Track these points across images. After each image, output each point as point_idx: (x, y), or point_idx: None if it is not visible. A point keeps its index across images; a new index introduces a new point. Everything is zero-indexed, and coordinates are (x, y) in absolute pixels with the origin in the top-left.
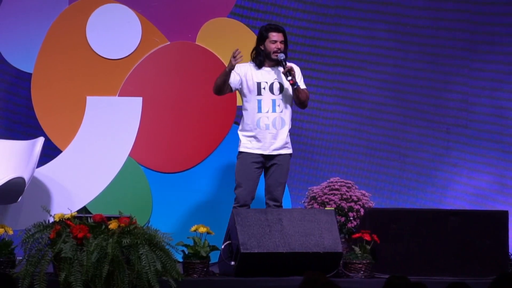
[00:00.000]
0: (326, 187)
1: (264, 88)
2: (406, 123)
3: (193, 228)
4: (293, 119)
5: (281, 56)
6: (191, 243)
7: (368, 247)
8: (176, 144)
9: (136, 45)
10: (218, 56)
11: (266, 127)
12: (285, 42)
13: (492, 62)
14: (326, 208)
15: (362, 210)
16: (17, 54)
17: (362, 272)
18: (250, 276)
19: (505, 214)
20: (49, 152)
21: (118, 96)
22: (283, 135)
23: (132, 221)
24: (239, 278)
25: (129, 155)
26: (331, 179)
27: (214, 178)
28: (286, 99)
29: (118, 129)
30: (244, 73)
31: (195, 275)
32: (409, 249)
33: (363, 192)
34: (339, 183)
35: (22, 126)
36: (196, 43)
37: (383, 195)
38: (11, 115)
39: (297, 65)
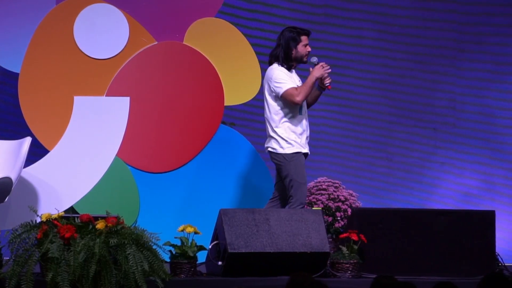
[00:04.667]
0: (313, 187)
1: None
2: (394, 122)
3: (180, 228)
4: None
5: (314, 59)
6: (179, 243)
7: (356, 247)
8: (164, 144)
9: (124, 45)
10: (206, 56)
11: None
12: None
13: (479, 61)
14: (313, 208)
15: (349, 210)
16: (4, 53)
17: (349, 272)
18: (238, 276)
19: (492, 214)
20: (36, 152)
21: (106, 96)
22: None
23: (120, 221)
24: (227, 278)
25: (117, 155)
26: (319, 179)
27: (201, 178)
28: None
29: (105, 129)
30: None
31: (182, 275)
32: (397, 249)
33: (351, 192)
34: (326, 183)
35: (9, 125)
36: (184, 43)
37: (371, 194)
38: None
39: None
